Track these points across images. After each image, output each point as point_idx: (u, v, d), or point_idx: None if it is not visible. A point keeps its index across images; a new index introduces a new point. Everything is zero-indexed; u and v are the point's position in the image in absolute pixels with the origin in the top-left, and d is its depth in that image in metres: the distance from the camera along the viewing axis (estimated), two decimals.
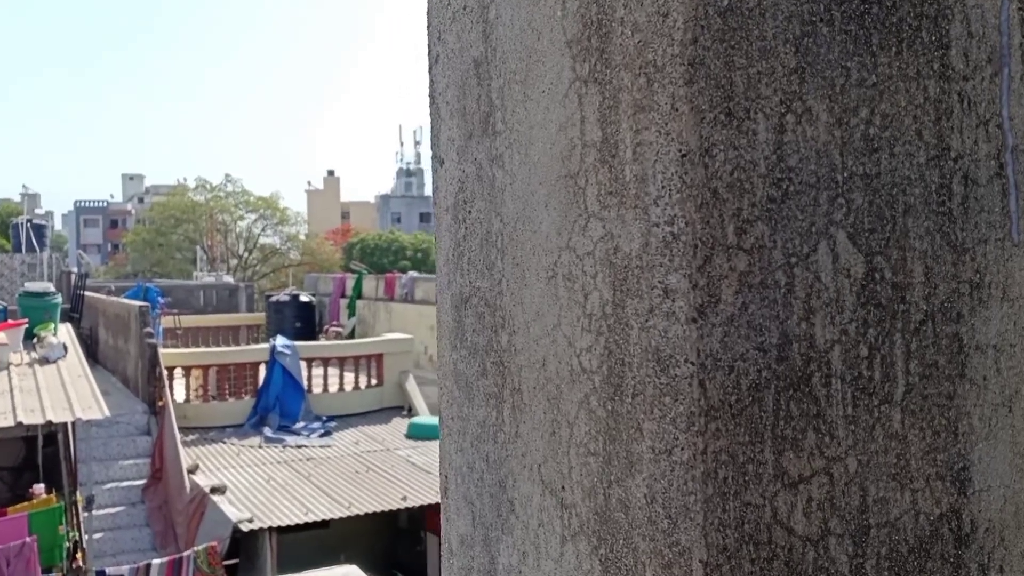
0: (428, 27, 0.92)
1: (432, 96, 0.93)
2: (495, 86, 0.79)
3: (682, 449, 0.63)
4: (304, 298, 21.93)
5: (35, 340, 9.62)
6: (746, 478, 0.65)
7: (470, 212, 0.83)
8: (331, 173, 68.69)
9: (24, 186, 33.63)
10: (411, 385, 13.92)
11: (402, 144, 73.56)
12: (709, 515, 0.63)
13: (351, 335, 20.01)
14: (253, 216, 43.61)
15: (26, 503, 7.46)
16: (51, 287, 12.37)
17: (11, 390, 8.01)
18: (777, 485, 0.65)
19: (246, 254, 43.66)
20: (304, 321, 20.63)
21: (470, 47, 0.82)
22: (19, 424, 7.22)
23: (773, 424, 0.65)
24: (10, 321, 9.71)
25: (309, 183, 67.36)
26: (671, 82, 0.64)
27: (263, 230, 43.87)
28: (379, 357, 13.93)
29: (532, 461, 0.77)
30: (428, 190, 70.75)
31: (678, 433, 0.63)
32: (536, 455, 0.77)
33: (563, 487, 0.73)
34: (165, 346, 14.48)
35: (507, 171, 0.78)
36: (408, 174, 70.77)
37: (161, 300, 18.58)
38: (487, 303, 0.81)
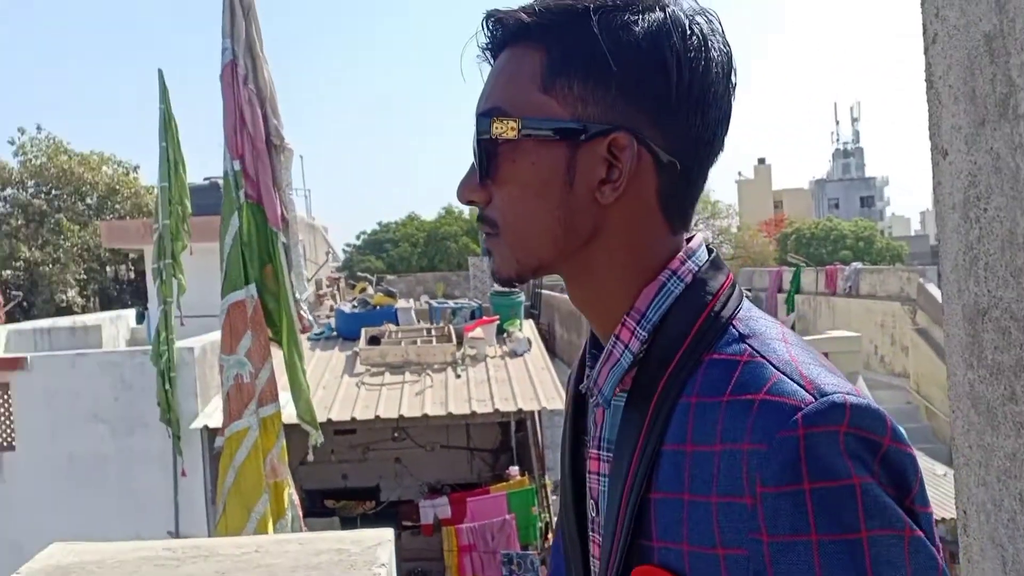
0: (923, 4, 0.82)
1: (929, 80, 0.82)
2: (1014, 63, 0.67)
3: None
4: None
5: (505, 335, 10.75)
6: None
7: (985, 210, 0.72)
8: (761, 161, 67.43)
9: None
10: (860, 387, 13.04)
11: (837, 123, 69.64)
12: None
13: None
14: None
15: (504, 483, 8.40)
16: (516, 287, 13.83)
17: (488, 380, 9.07)
18: None
19: None
20: None
21: (979, 21, 0.71)
22: (496, 411, 8.16)
23: None
24: (484, 318, 10.99)
25: (739, 173, 66.87)
26: None
27: (695, 224, 44.51)
28: (823, 356, 13.27)
29: None
30: (869, 171, 66.02)
31: None
32: None
33: None
34: None
35: None
36: (845, 155, 66.75)
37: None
38: (1013, 316, 0.69)
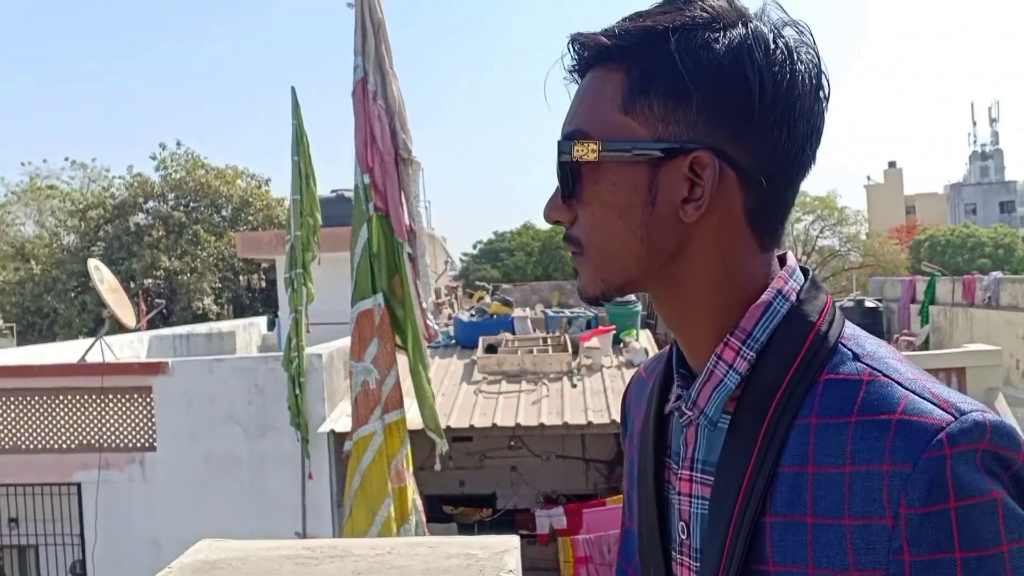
0: None
1: None
2: None
3: None
4: (869, 304, 20.94)
5: (621, 345, 10.68)
6: None
7: None
8: (892, 164, 64.59)
9: None
10: (1000, 404, 12.28)
11: (975, 124, 65.61)
12: None
13: (924, 345, 18.48)
14: (810, 218, 43.15)
15: (620, 495, 8.33)
16: (632, 296, 13.74)
17: (604, 390, 9.03)
18: None
19: (804, 257, 43.39)
20: (870, 329, 19.28)
21: None
22: (612, 422, 8.12)
23: None
24: (601, 328, 10.95)
25: (868, 178, 64.20)
26: None
27: (821, 232, 43.12)
28: (960, 371, 12.55)
29: None
30: (1009, 174, 62.09)
31: None
32: None
33: None
34: None
35: None
36: (983, 157, 63.10)
37: None
38: None
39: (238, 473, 7.97)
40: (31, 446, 8.14)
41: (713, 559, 0.78)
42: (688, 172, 0.77)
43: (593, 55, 0.82)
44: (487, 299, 14.22)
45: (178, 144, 27.04)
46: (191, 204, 25.60)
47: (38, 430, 8.16)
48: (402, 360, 4.42)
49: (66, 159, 37.01)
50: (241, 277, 25.48)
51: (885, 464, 0.70)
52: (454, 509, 10.53)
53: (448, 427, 7.72)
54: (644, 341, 11.10)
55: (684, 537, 0.85)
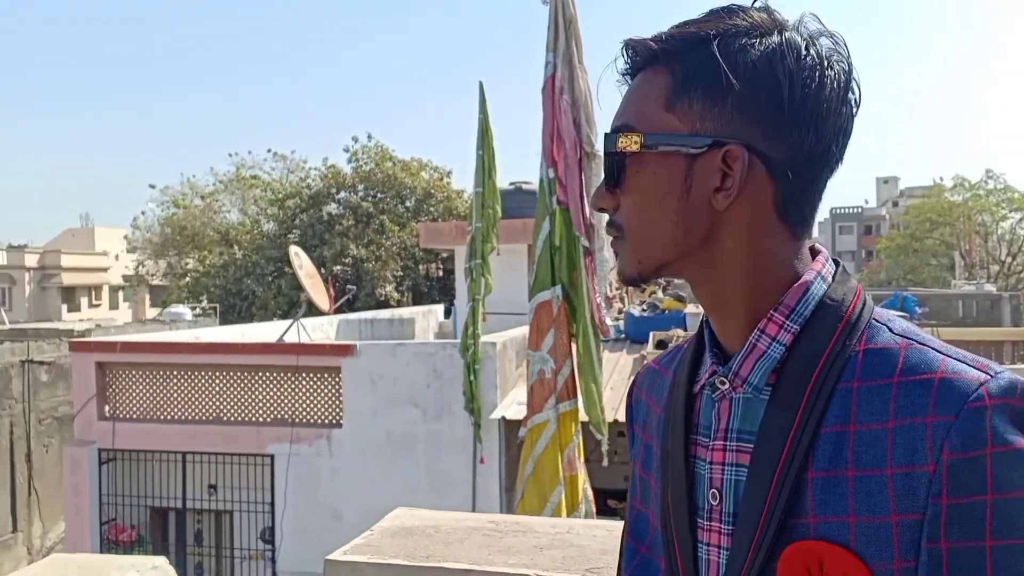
0: None
1: None
2: None
3: None
4: None
5: None
6: None
7: None
8: None
9: None
10: None
11: None
12: None
13: None
14: (1018, 216, 39.72)
15: None
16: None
17: None
18: None
19: (1009, 259, 39.96)
20: None
21: None
22: None
23: None
24: None
25: None
26: None
27: (1010, 226, 39.61)
28: None
29: None
30: None
31: None
32: None
33: None
34: None
35: None
36: None
37: (918, 310, 18.23)
38: None
39: (415, 452, 8.34)
40: (231, 418, 8.85)
41: (752, 517, 0.84)
42: (721, 164, 0.85)
43: (643, 58, 0.90)
44: (659, 294, 14.07)
45: (369, 137, 28.40)
46: (378, 195, 26.80)
47: (238, 404, 8.86)
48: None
49: (268, 151, 39.78)
50: (421, 266, 26.46)
51: (929, 416, 0.77)
52: (619, 504, 10.53)
53: (615, 421, 7.74)
54: None
55: (715, 503, 0.90)
